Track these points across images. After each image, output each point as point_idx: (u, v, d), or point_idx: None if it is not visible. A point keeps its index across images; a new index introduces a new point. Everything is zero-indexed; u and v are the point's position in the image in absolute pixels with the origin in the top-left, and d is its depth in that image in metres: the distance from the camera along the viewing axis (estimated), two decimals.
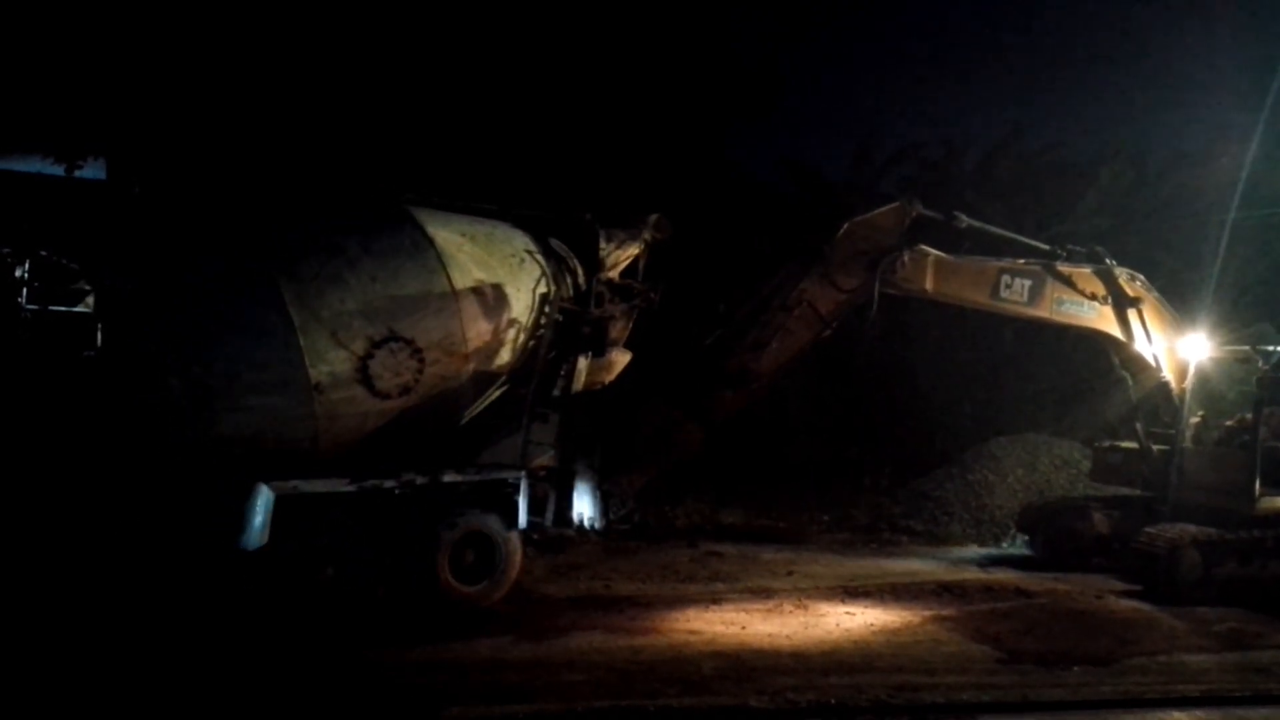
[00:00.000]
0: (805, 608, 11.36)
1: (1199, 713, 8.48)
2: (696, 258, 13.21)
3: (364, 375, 9.50)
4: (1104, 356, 14.44)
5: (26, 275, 10.04)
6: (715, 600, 11.54)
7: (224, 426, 9.12)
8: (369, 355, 9.50)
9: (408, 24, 17.62)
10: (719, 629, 10.34)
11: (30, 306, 10.27)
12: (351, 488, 9.59)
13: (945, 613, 11.41)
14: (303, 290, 9.35)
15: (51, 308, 10.35)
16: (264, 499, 9.10)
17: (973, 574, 13.67)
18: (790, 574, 13.11)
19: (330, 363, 9.38)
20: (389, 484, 9.83)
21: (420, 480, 9.99)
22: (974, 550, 15.83)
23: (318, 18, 16.90)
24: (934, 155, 25.92)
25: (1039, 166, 24.69)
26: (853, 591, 12.21)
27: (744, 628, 10.44)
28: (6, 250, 9.88)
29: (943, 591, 12.40)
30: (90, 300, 10.17)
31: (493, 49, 18.43)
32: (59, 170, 14.61)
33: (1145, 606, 11.99)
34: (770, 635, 10.21)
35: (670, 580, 12.47)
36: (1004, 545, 16.22)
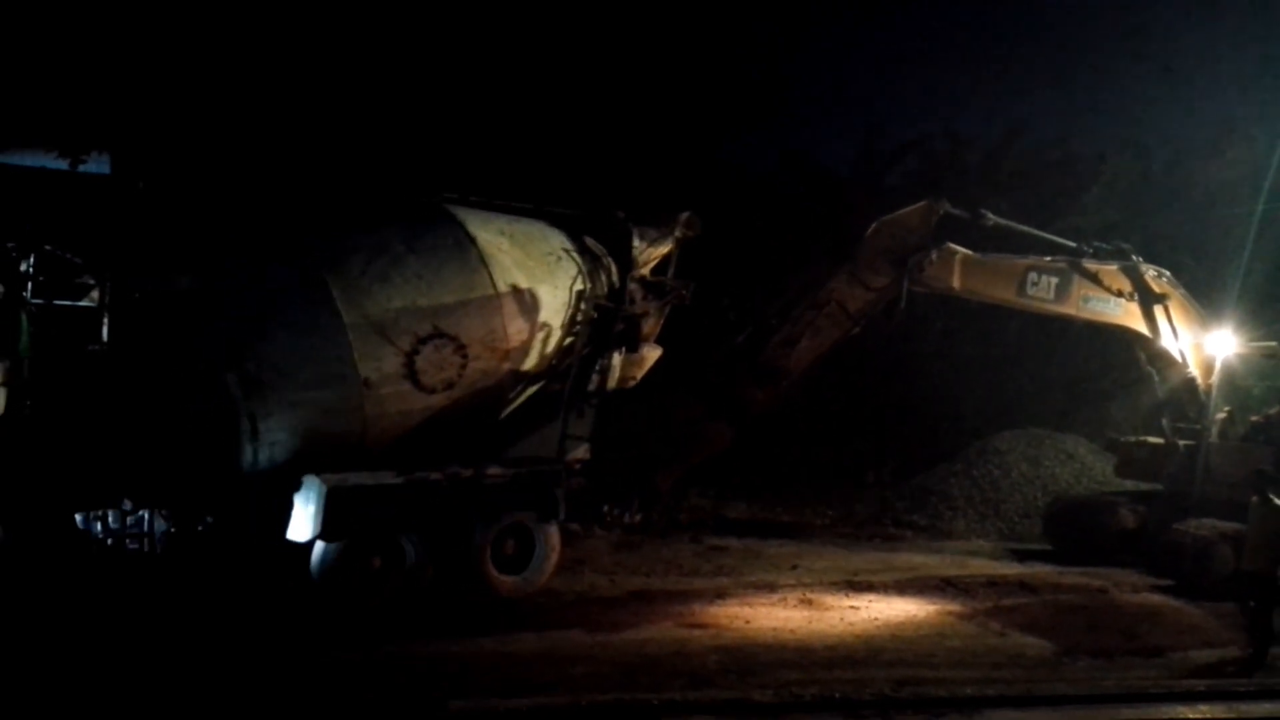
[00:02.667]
0: (809, 602, 11.36)
1: (1204, 707, 8.47)
2: (711, 255, 13.28)
3: (410, 371, 9.76)
4: (1110, 351, 14.46)
5: (31, 269, 10.06)
6: (719, 594, 11.54)
7: (276, 420, 9.36)
8: (415, 351, 9.77)
9: (418, 26, 17.63)
10: (723, 623, 10.35)
11: (35, 300, 10.31)
12: (399, 480, 9.82)
13: (950, 607, 11.41)
14: (351, 288, 9.65)
15: (56, 302, 10.38)
16: (315, 491, 9.33)
17: (980, 568, 13.66)
18: (794, 568, 13.11)
19: (378, 358, 9.65)
20: (434, 476, 10.03)
21: (464, 473, 10.21)
22: (979, 544, 15.81)
23: (327, 15, 16.90)
24: (939, 148, 25.85)
25: (1044, 160, 24.61)
26: (857, 586, 12.20)
27: (748, 622, 10.45)
28: (11, 245, 9.89)
29: (947, 586, 12.40)
30: (94, 294, 10.19)
31: (501, 50, 18.44)
32: (63, 164, 14.61)
33: (1174, 601, 11.97)
34: (774, 629, 10.22)
35: (675, 574, 12.47)
36: (1009, 541, 16.20)
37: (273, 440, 9.44)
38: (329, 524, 9.39)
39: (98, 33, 15.05)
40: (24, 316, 9.38)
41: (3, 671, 7.89)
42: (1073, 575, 13.20)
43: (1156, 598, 12.20)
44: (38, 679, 7.83)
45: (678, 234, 12.03)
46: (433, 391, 9.94)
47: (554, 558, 10.85)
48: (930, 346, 22.06)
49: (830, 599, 11.52)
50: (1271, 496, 9.88)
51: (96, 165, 14.95)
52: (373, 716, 7.58)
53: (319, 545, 9.53)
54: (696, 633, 9.92)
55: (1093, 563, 13.68)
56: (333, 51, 16.69)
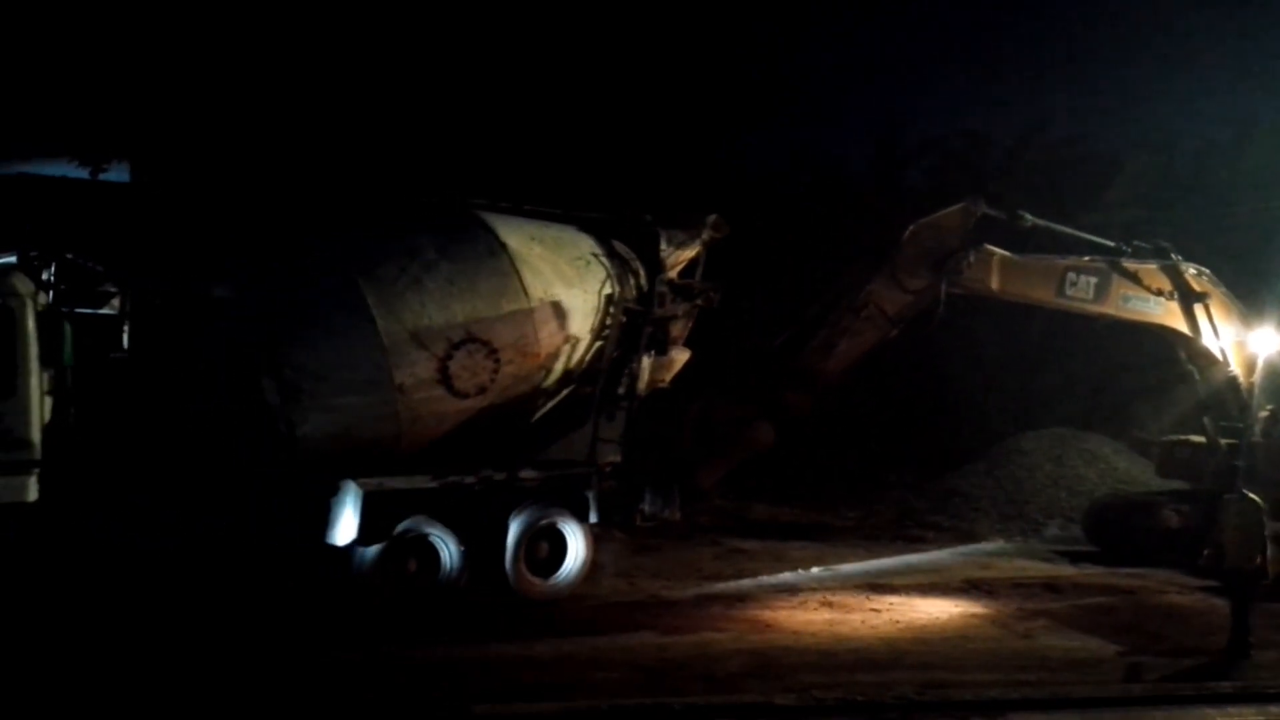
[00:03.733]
0: (831, 604, 11.29)
1: (1232, 709, 8.35)
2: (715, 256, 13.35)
3: (444, 376, 9.88)
4: (1134, 350, 14.31)
5: (53, 278, 10.12)
6: (740, 597, 11.49)
7: (312, 425, 9.50)
8: (448, 356, 9.88)
9: (418, 29, 17.71)
10: (744, 626, 10.31)
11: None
12: (433, 484, 9.98)
13: (974, 609, 11.31)
14: (385, 294, 9.77)
15: (78, 310, 10.43)
16: (352, 495, 9.49)
17: (1004, 570, 13.53)
18: (815, 570, 13.03)
19: (413, 364, 9.77)
20: (468, 480, 10.17)
21: (498, 476, 10.34)
22: (1003, 546, 15.68)
23: (341, 23, 17.00)
24: (957, 147, 25.72)
25: (1065, 157, 24.44)
26: (879, 588, 12.12)
27: (770, 625, 10.40)
28: (34, 253, 9.96)
29: (970, 588, 12.30)
30: (115, 302, 10.22)
31: (503, 51, 18.49)
32: (84, 173, 14.75)
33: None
34: (796, 633, 10.16)
35: (695, 577, 12.42)
36: (1030, 540, 16.07)
37: (308, 446, 9.55)
38: (366, 528, 9.53)
39: (116, 42, 15.17)
40: (67, 326, 9.52)
41: (8, 666, 7.95)
42: (1102, 576, 13.07)
43: (1191, 599, 12.00)
44: (41, 674, 7.89)
45: (705, 236, 12.08)
46: (466, 396, 10.05)
47: (587, 560, 10.97)
48: (953, 347, 21.92)
49: (852, 601, 11.44)
50: (1247, 492, 9.78)
51: (116, 174, 15.09)
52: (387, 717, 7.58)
53: (357, 549, 9.64)
54: (717, 636, 9.87)
55: (1135, 563, 13.51)
56: (346, 59, 16.78)
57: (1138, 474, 17.37)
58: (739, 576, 12.56)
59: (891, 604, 11.39)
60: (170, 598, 9.50)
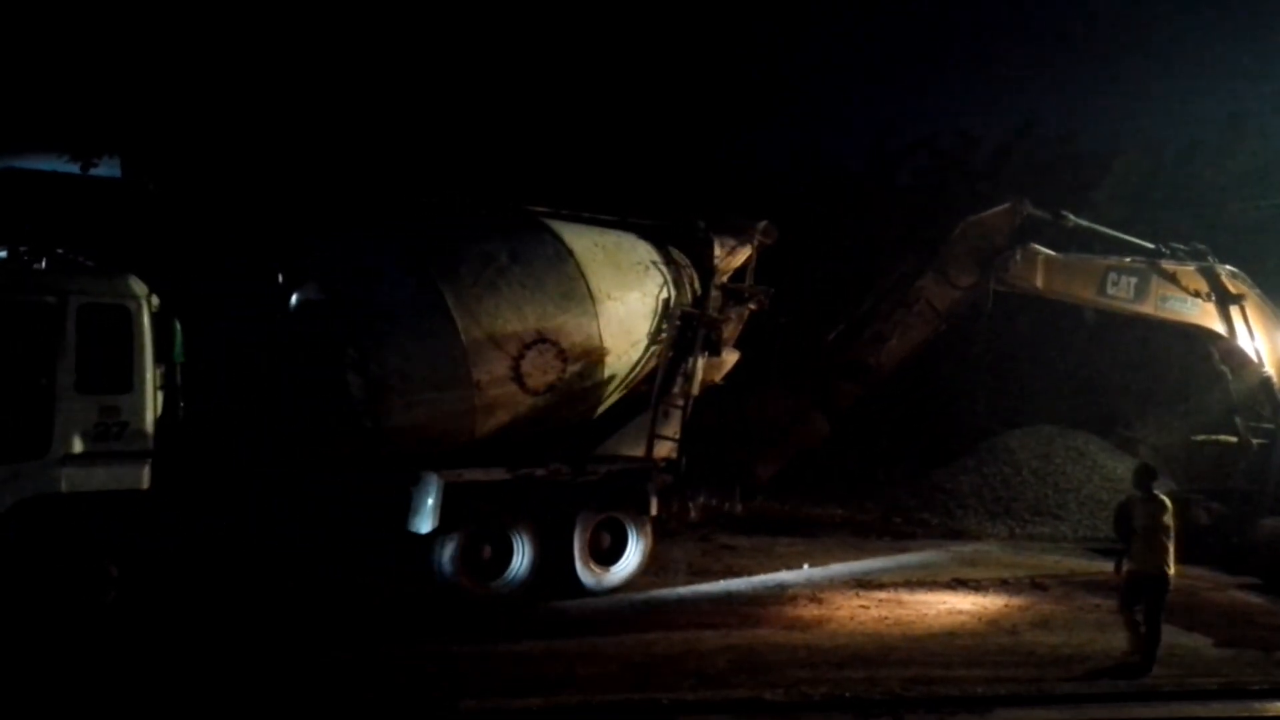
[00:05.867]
0: (819, 601, 11.36)
1: (1217, 705, 8.43)
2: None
3: (516, 373, 10.40)
4: (1121, 348, 14.42)
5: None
6: (729, 594, 11.55)
7: (396, 419, 10.01)
8: (521, 356, 10.40)
9: (399, 26, 17.69)
10: (733, 622, 10.35)
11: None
12: (508, 476, 10.52)
13: (961, 606, 11.38)
14: (464, 297, 10.29)
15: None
16: (434, 486, 10.00)
17: (991, 566, 13.60)
18: (804, 567, 13.10)
19: (489, 362, 10.28)
20: (539, 472, 10.69)
21: (566, 469, 10.85)
22: (990, 542, 15.76)
23: (329, 20, 16.96)
24: (947, 146, 25.77)
25: (1053, 157, 24.51)
26: (867, 585, 12.19)
27: (758, 621, 10.44)
28: (24, 248, 9.97)
29: (958, 584, 12.38)
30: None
31: (500, 51, 18.49)
32: (74, 168, 14.70)
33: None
34: (785, 629, 10.21)
35: (683, 573, 12.48)
36: (1018, 536, 16.14)
37: (393, 438, 10.04)
38: (446, 517, 10.00)
39: (107, 36, 15.11)
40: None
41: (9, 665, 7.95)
42: (1088, 573, 13.10)
43: (1182, 598, 12.03)
44: (42, 673, 7.90)
45: (755, 241, 12.37)
46: (536, 393, 10.55)
47: (646, 551, 11.51)
48: (941, 345, 21.93)
49: (840, 598, 11.51)
50: (1156, 492, 9.52)
51: (107, 169, 15.05)
52: (383, 715, 7.61)
53: (437, 538, 10.14)
54: (706, 632, 9.92)
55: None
56: (333, 54, 16.77)
57: (1124, 472, 17.44)
58: (728, 573, 12.62)
59: (879, 600, 11.46)
60: (174, 597, 9.56)
